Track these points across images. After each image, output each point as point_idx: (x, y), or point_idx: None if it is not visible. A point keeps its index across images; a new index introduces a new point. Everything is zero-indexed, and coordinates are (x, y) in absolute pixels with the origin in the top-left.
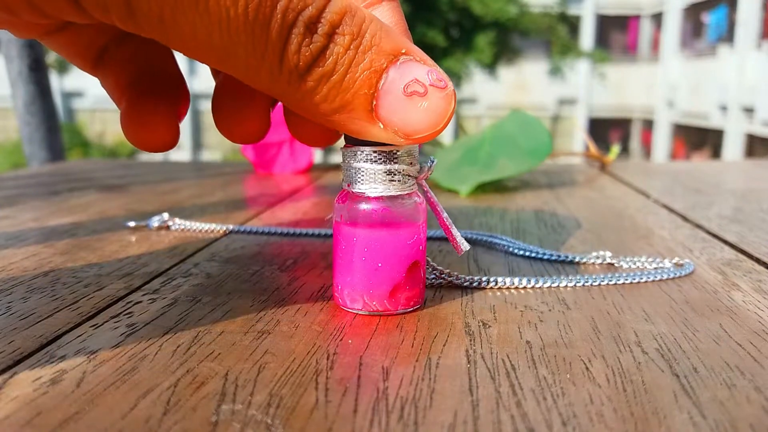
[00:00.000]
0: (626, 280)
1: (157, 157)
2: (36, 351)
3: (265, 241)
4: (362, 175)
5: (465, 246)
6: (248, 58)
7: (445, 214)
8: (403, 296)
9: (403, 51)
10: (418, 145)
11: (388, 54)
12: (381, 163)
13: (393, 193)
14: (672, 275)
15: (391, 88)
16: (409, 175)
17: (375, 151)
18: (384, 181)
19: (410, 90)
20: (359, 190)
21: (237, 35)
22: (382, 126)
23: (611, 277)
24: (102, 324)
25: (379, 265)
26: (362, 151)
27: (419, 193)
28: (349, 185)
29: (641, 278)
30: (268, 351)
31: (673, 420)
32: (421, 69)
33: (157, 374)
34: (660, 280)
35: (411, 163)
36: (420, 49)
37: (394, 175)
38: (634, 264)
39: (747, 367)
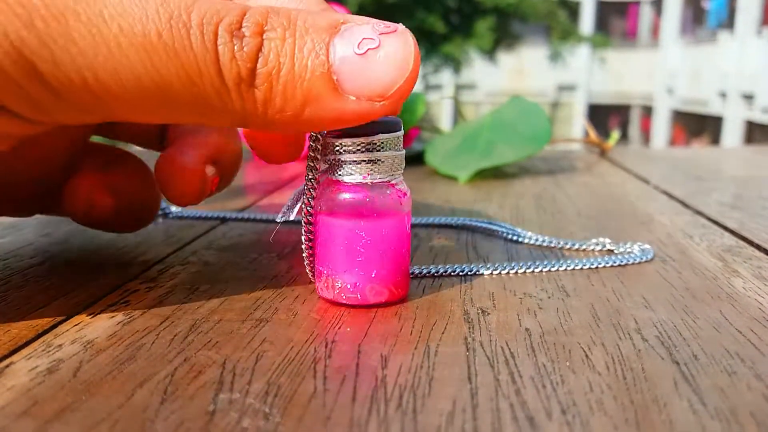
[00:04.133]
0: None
1: None
2: (32, 340)
3: (263, 229)
4: (343, 166)
5: (279, 217)
6: (188, 88)
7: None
8: (383, 287)
9: (342, 21)
10: (401, 132)
11: (327, 28)
12: (362, 152)
13: (373, 180)
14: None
15: (343, 55)
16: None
17: (354, 142)
18: (363, 170)
19: (363, 48)
20: (340, 178)
21: (165, 67)
22: (354, 98)
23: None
24: (99, 313)
25: (360, 257)
26: (342, 144)
27: (403, 184)
28: (329, 173)
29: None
30: (266, 339)
31: (673, 407)
32: (365, 27)
33: (154, 363)
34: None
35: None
36: (354, 15)
37: (374, 164)
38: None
39: (747, 354)
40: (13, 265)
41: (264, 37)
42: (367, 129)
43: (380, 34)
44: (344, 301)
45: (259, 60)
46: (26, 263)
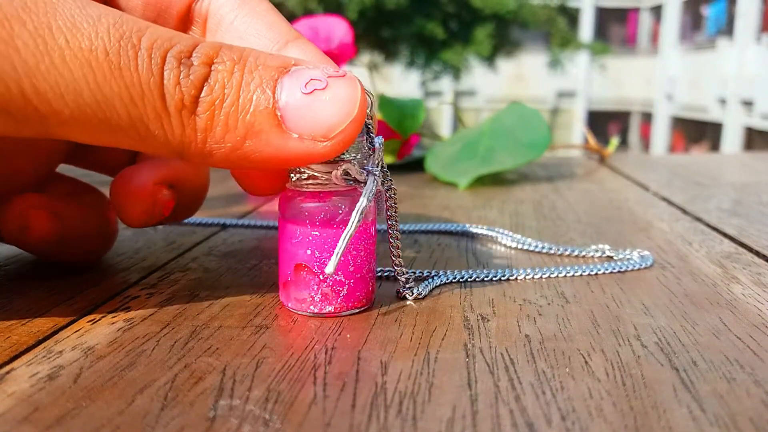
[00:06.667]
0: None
1: None
2: (33, 346)
3: (263, 235)
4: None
5: (329, 269)
6: (129, 109)
7: (352, 229)
8: (314, 296)
9: (293, 62)
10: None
11: (277, 67)
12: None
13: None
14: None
15: (290, 93)
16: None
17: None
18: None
19: (310, 88)
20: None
21: (108, 85)
22: (296, 136)
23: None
24: (99, 319)
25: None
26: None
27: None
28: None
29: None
30: (266, 346)
31: (673, 414)
32: (315, 71)
33: (154, 369)
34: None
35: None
36: (311, 61)
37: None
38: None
39: (747, 360)
40: (13, 272)
41: (212, 68)
42: None
43: (329, 77)
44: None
45: (204, 88)
46: (27, 269)
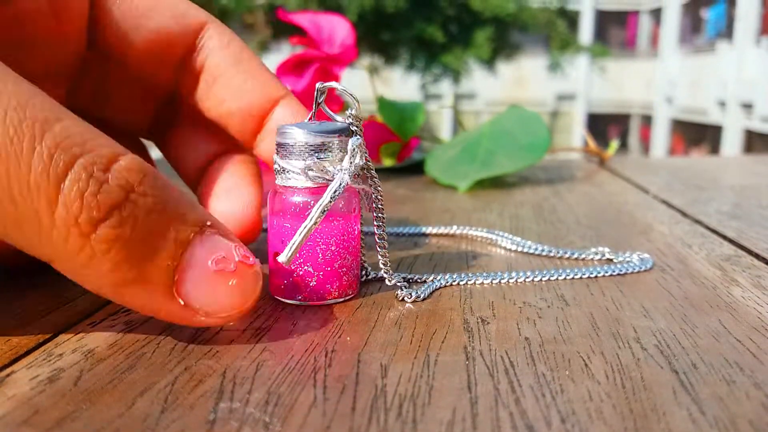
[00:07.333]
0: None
1: (154, 155)
2: (33, 349)
3: (262, 238)
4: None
5: (280, 258)
6: (4, 205)
7: (310, 223)
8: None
9: (209, 224)
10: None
11: (194, 224)
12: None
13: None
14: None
15: (197, 261)
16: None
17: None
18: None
19: (219, 266)
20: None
21: None
22: (182, 302)
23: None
24: (99, 322)
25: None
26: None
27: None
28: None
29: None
30: (266, 348)
31: (673, 416)
32: (227, 244)
33: (154, 372)
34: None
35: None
36: (222, 223)
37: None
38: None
39: (746, 363)
40: (13, 274)
41: (129, 197)
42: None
43: (239, 261)
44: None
45: (113, 217)
46: (27, 272)
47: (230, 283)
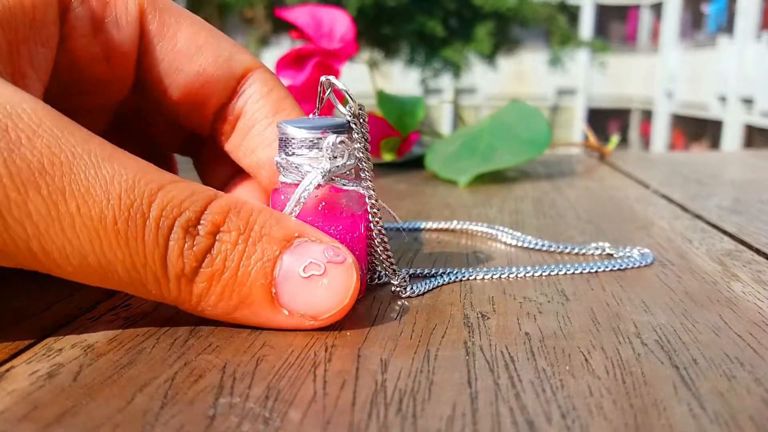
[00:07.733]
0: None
1: None
2: (33, 344)
3: None
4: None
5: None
6: (130, 272)
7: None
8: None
9: (296, 235)
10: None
11: (281, 241)
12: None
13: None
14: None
15: (288, 273)
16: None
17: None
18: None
19: (309, 272)
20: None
21: (112, 252)
22: (287, 312)
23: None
24: (99, 317)
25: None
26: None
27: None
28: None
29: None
30: (266, 343)
31: (673, 412)
32: (316, 248)
33: (154, 367)
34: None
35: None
36: (315, 229)
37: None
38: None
39: (747, 358)
40: (12, 269)
41: (217, 238)
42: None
43: (328, 261)
44: None
45: (206, 260)
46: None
47: (321, 283)
